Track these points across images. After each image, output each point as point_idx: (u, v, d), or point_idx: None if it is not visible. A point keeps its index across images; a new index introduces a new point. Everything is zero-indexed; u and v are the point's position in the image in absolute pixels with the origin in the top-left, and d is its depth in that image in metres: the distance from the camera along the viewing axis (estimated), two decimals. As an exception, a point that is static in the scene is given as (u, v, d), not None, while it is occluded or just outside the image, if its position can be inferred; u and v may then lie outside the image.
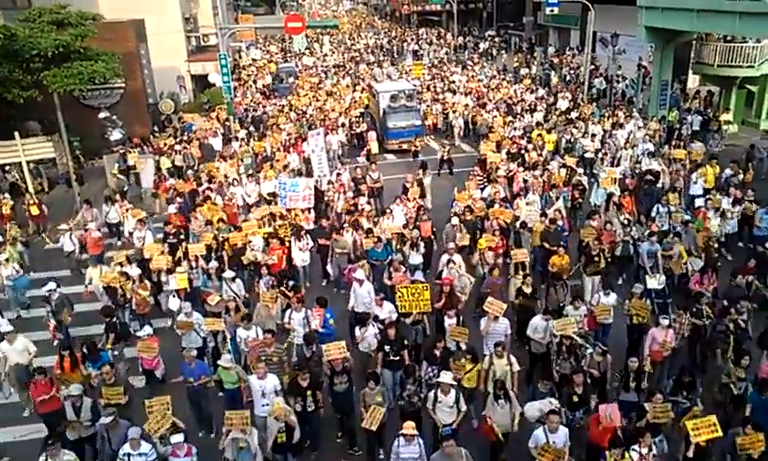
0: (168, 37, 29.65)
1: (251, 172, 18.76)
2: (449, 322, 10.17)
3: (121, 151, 21.21)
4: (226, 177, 18.05)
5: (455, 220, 13.61)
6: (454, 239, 13.06)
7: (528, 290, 11.18)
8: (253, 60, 44.00)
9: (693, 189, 16.57)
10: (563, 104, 26.59)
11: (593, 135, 21.03)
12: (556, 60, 38.85)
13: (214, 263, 12.43)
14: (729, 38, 24.23)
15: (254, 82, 36.44)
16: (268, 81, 36.76)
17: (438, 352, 9.44)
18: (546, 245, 13.37)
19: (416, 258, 12.77)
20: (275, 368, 9.33)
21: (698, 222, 14.24)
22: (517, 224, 14.07)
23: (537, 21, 46.92)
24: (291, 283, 12.07)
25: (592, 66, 31.84)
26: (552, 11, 32.17)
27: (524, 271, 11.88)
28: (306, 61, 44.77)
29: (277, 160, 19.42)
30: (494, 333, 9.85)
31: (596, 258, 12.48)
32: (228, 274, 11.84)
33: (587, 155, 19.63)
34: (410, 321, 10.59)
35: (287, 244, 13.74)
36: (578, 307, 10.51)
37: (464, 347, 9.60)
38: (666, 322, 9.85)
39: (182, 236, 14.40)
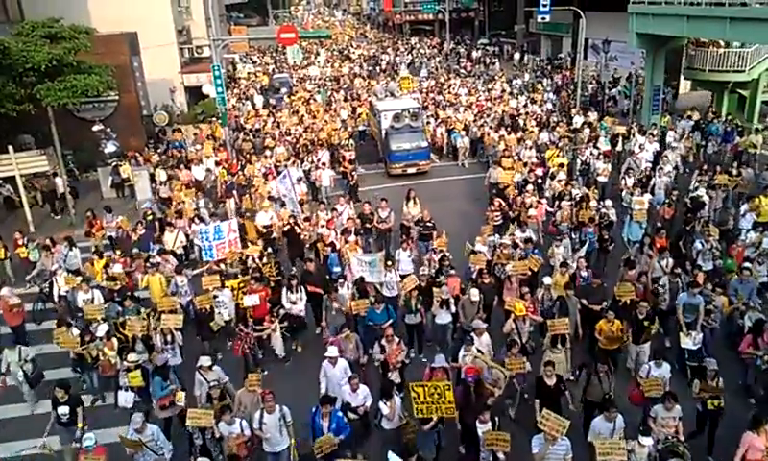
0: (161, 50, 29.67)
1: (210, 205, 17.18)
2: (483, 428, 8.08)
3: (114, 164, 21.21)
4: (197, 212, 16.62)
5: (475, 294, 10.87)
6: (477, 316, 10.69)
7: (551, 381, 8.78)
8: (249, 73, 43.36)
9: (742, 223, 14.36)
10: (578, 120, 24.83)
11: (606, 157, 19.23)
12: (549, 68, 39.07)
13: (162, 357, 9.99)
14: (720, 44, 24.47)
15: (245, 96, 35.16)
16: (255, 97, 34.53)
17: None
18: (585, 302, 11.00)
19: (445, 317, 11.10)
20: None
21: (731, 262, 12.37)
22: (550, 280, 11.43)
23: (528, 29, 47.29)
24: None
25: (585, 73, 32.05)
26: (543, 19, 32.39)
27: (564, 345, 9.85)
28: (313, 72, 43.31)
29: (256, 190, 17.99)
30: (553, 458, 7.51)
31: (646, 323, 10.22)
32: (205, 360, 9.51)
33: (599, 178, 17.97)
34: (429, 427, 8.47)
35: (271, 284, 12.19)
36: (660, 365, 9.02)
37: (502, 457, 7.83)
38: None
39: (132, 297, 11.92)
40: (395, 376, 9.36)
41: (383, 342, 9.81)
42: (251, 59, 50.96)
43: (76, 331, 10.90)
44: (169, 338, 10.55)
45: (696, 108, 24.88)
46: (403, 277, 12.00)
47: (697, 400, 8.69)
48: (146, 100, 27.98)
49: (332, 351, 9.40)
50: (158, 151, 23.77)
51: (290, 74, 42.37)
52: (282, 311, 11.65)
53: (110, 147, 21.69)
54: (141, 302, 12.17)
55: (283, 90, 35.78)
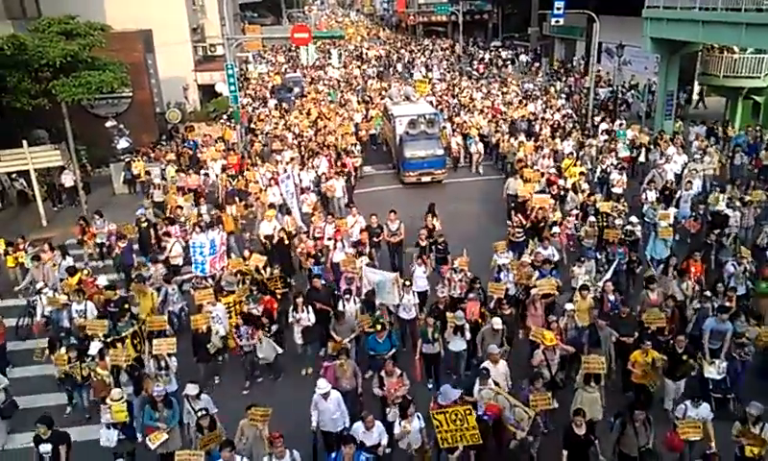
0: (175, 48, 29.92)
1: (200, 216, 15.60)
2: None
3: (126, 160, 21.38)
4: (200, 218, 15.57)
5: (498, 323, 9.95)
6: (497, 345, 9.69)
7: (581, 431, 7.94)
8: (260, 74, 43.16)
9: None
10: (603, 126, 23.74)
11: (622, 168, 18.24)
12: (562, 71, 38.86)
13: (159, 389, 8.89)
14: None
15: (257, 97, 34.72)
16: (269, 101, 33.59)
17: None
18: (616, 333, 10.04)
19: (459, 345, 10.31)
20: None
21: (765, 285, 11.53)
22: (572, 306, 10.52)
23: (542, 32, 47.10)
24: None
25: (597, 77, 31.87)
26: (557, 22, 32.18)
27: (598, 383, 8.98)
28: (332, 73, 42.27)
29: (257, 197, 17.05)
30: None
31: (685, 357, 9.33)
32: (191, 389, 8.85)
33: (614, 190, 16.95)
34: (456, 457, 8.00)
35: (278, 296, 11.84)
36: (698, 404, 8.29)
37: None
38: None
39: (127, 312, 11.04)
40: (392, 415, 8.48)
41: (382, 374, 9.02)
42: (263, 57, 51.02)
43: (63, 349, 10.32)
44: (163, 364, 9.77)
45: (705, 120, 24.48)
46: (419, 294, 11.41)
47: (735, 444, 7.90)
48: (159, 97, 28.24)
49: (322, 384, 8.62)
50: (170, 149, 23.91)
51: (303, 74, 42.46)
52: (275, 327, 11.07)
53: (123, 143, 21.89)
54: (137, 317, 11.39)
55: (296, 90, 35.85)
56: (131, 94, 24.64)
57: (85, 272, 13.06)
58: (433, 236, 13.79)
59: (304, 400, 9.05)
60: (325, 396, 8.58)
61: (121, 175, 21.45)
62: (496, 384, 8.74)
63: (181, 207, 16.26)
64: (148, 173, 20.55)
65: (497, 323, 9.93)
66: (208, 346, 10.89)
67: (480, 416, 8.17)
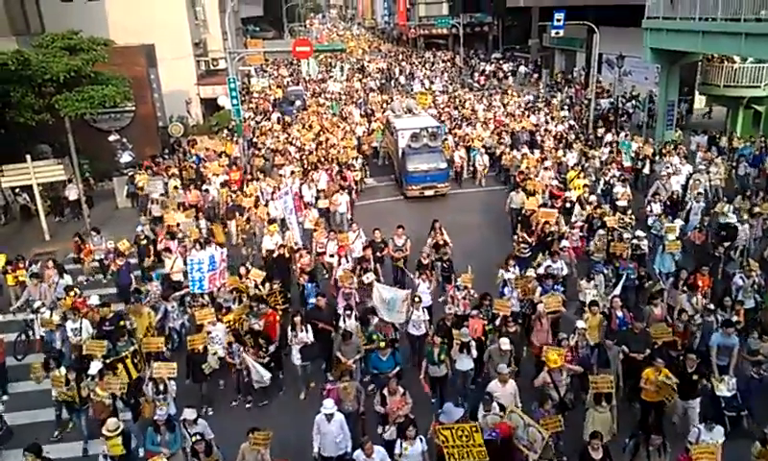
0: (178, 62, 30.11)
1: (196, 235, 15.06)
2: None
3: (130, 173, 21.45)
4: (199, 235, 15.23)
5: (506, 344, 9.60)
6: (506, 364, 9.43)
7: (598, 455, 7.76)
8: (262, 88, 42.84)
9: None
10: (608, 137, 23.65)
11: (624, 180, 17.85)
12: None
13: (162, 412, 8.71)
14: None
15: (257, 110, 34.62)
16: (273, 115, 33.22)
17: None
18: (626, 350, 9.80)
19: (466, 363, 10.00)
20: None
21: None
22: (583, 324, 10.18)
23: (542, 44, 47.35)
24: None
25: (599, 89, 31.96)
26: (558, 33, 32.37)
27: (610, 402, 8.69)
28: (333, 88, 41.50)
29: (254, 213, 16.65)
30: None
31: (695, 377, 9.05)
32: (189, 413, 8.72)
33: (618, 202, 16.57)
34: None
35: (279, 310, 11.66)
36: (712, 427, 8.06)
37: None
38: None
39: (125, 330, 10.82)
40: (389, 433, 8.43)
41: (384, 392, 8.88)
42: (265, 71, 51.22)
43: (62, 369, 9.98)
44: (161, 387, 9.48)
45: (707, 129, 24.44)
46: (425, 308, 11.26)
47: None
48: (162, 111, 28.33)
49: (328, 405, 8.46)
50: (174, 163, 23.98)
51: (304, 87, 42.58)
52: (272, 347, 10.82)
53: (126, 157, 21.94)
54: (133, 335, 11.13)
55: (298, 103, 36.01)
56: (133, 108, 24.73)
57: (73, 292, 12.69)
58: (439, 253, 13.51)
59: (304, 424, 8.85)
60: (329, 417, 8.40)
61: (124, 189, 21.51)
62: (502, 408, 8.52)
63: (178, 224, 15.95)
64: (142, 189, 20.37)
65: (506, 344, 9.60)
66: (203, 366, 10.60)
67: (487, 437, 7.98)
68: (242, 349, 10.59)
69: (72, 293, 12.61)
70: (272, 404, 10.97)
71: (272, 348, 10.78)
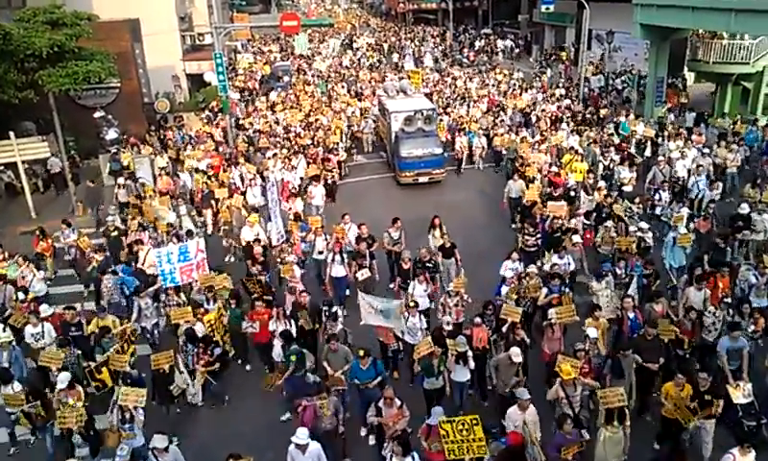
0: (163, 37, 29.56)
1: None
2: None
3: (113, 151, 21.17)
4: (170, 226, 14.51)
5: (516, 354, 8.89)
6: (514, 375, 8.92)
7: None
8: (249, 63, 41.75)
9: None
10: (603, 112, 23.19)
11: (631, 164, 16.93)
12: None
13: (123, 454, 7.90)
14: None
15: (245, 87, 33.73)
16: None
17: None
18: (639, 359, 8.94)
19: (463, 374, 9.38)
20: None
21: None
22: (595, 333, 9.31)
23: (532, 19, 47.03)
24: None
25: (591, 64, 31.83)
26: (548, 8, 32.16)
27: (623, 421, 7.79)
28: (318, 66, 39.23)
29: (230, 203, 15.88)
30: None
31: (708, 396, 8.14)
32: (159, 441, 7.89)
33: (624, 188, 15.79)
34: None
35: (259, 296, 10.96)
36: (748, 451, 7.14)
37: None
38: None
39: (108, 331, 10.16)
40: (388, 450, 7.80)
41: (380, 404, 8.24)
42: (254, 47, 50.26)
43: (18, 386, 9.13)
44: (128, 416, 8.59)
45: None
46: (421, 312, 10.53)
47: None
48: (147, 87, 27.93)
49: (302, 434, 7.58)
50: (159, 138, 23.69)
51: (291, 63, 41.89)
52: (218, 350, 10.25)
53: (111, 134, 21.68)
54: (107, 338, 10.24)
55: (285, 79, 35.48)
56: (118, 84, 24.38)
57: (27, 296, 11.75)
58: (446, 251, 12.66)
59: (284, 446, 8.00)
60: (303, 448, 7.51)
61: (107, 166, 21.27)
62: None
63: (156, 218, 15.12)
64: (128, 167, 19.61)
65: (516, 354, 8.84)
66: (171, 388, 9.73)
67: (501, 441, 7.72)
68: (197, 351, 10.00)
69: (19, 300, 11.60)
70: (249, 427, 10.06)
71: (217, 350, 10.31)
